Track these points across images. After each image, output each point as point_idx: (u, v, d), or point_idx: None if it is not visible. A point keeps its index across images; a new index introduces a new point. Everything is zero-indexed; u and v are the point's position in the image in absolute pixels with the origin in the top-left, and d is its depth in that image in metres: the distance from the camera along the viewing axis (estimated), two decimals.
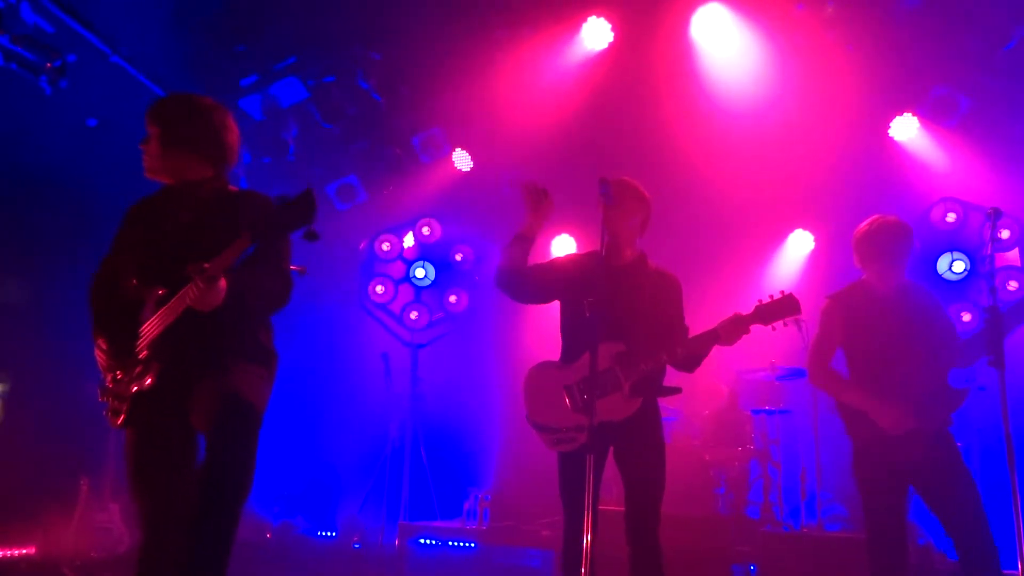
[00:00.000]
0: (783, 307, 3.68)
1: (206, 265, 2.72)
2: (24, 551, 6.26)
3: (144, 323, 3.00)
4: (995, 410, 3.55)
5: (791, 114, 7.06)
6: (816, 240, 7.94)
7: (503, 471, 7.99)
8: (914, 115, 7.05)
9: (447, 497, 7.62)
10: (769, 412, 6.85)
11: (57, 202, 6.44)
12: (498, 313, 8.17)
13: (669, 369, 3.83)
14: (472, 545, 6.65)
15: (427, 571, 6.65)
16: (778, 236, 8.07)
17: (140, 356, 2.98)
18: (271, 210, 2.68)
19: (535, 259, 4.02)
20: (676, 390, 3.83)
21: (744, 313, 3.68)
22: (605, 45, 7.08)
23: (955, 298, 7.11)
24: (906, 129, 7.11)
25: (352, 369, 8.30)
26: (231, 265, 2.73)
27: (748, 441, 6.70)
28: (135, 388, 2.96)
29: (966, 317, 6.96)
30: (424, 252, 8.58)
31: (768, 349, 6.63)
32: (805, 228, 7.97)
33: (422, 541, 6.74)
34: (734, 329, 3.63)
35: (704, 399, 7.10)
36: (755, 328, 3.73)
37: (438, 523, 7.12)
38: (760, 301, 3.70)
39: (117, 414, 3.00)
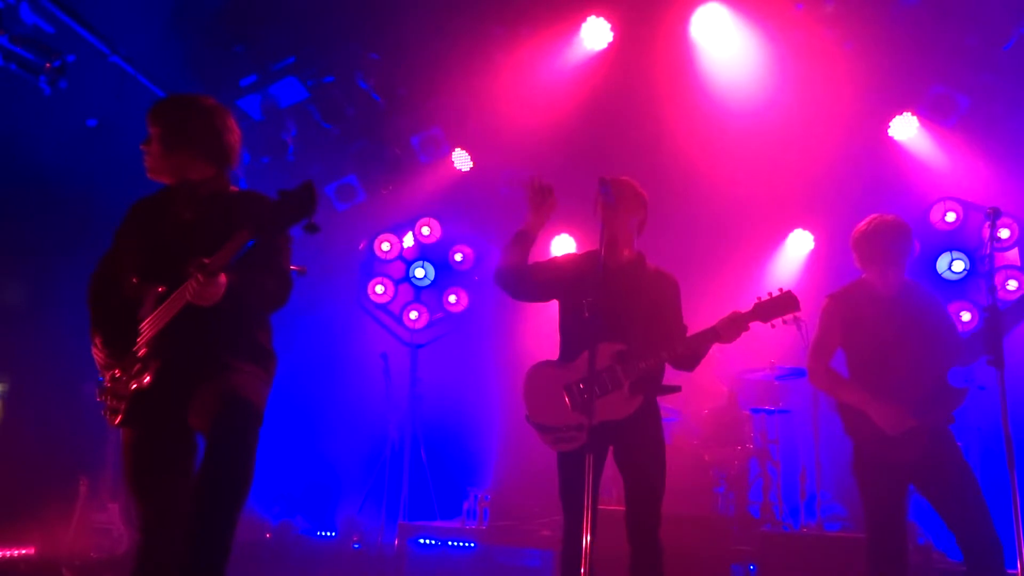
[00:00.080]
0: (782, 304, 3.68)
1: (206, 260, 2.72)
2: (23, 551, 6.26)
3: (143, 321, 3.00)
4: (995, 410, 3.55)
5: (791, 113, 7.07)
6: (816, 240, 7.94)
7: (502, 471, 7.99)
8: (913, 114, 7.06)
9: (446, 497, 7.62)
10: (769, 412, 6.85)
11: (56, 202, 6.44)
12: (497, 313, 8.18)
13: (669, 368, 3.83)
14: (472, 545, 6.65)
15: (427, 571, 6.65)
16: (778, 236, 8.06)
17: (139, 354, 2.98)
18: (272, 203, 2.67)
19: (535, 259, 4.02)
20: (676, 388, 3.83)
21: (743, 311, 3.68)
22: (604, 45, 7.09)
23: (955, 297, 7.11)
24: (905, 128, 7.11)
25: (351, 369, 8.30)
26: (231, 259, 2.73)
27: (748, 441, 6.70)
28: (134, 386, 2.96)
29: (966, 316, 6.96)
30: (423, 252, 8.58)
31: (768, 349, 6.64)
32: (805, 228, 7.97)
33: (422, 541, 6.74)
34: (733, 327, 3.63)
35: (704, 399, 7.10)
36: (755, 328, 3.73)
37: (438, 523, 7.13)
38: (759, 298, 3.69)
39: (115, 413, 3.00)
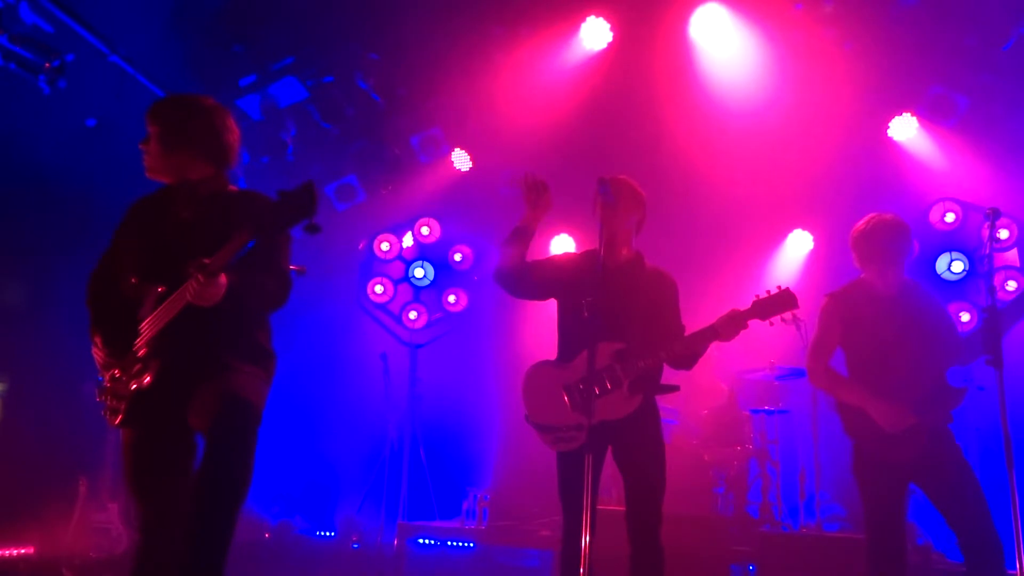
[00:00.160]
0: (780, 302, 3.68)
1: (206, 260, 2.72)
2: (23, 551, 6.26)
3: (143, 321, 3.00)
4: (994, 410, 3.55)
5: (790, 114, 7.07)
6: (815, 240, 7.94)
7: (502, 471, 7.99)
8: (913, 115, 7.06)
9: (446, 497, 7.62)
10: (768, 412, 6.85)
11: (56, 202, 6.44)
12: (497, 313, 8.18)
13: (668, 368, 3.83)
14: (471, 545, 6.65)
15: (426, 571, 6.65)
16: (777, 236, 8.07)
17: (139, 354, 2.98)
18: (272, 204, 2.67)
19: (534, 258, 4.02)
20: (674, 388, 3.83)
21: (742, 309, 3.68)
22: (604, 45, 7.09)
23: (954, 298, 7.12)
24: (905, 129, 7.12)
25: (351, 369, 8.30)
26: (232, 260, 2.73)
27: (747, 441, 6.70)
28: (134, 386, 2.96)
29: (965, 317, 6.97)
30: (423, 252, 8.58)
31: (767, 349, 6.65)
32: (804, 228, 7.98)
33: (421, 541, 6.74)
34: (732, 325, 3.63)
35: (704, 399, 7.10)
36: (755, 328, 3.73)
37: (437, 523, 7.13)
38: (757, 296, 3.70)
39: (115, 413, 3.00)
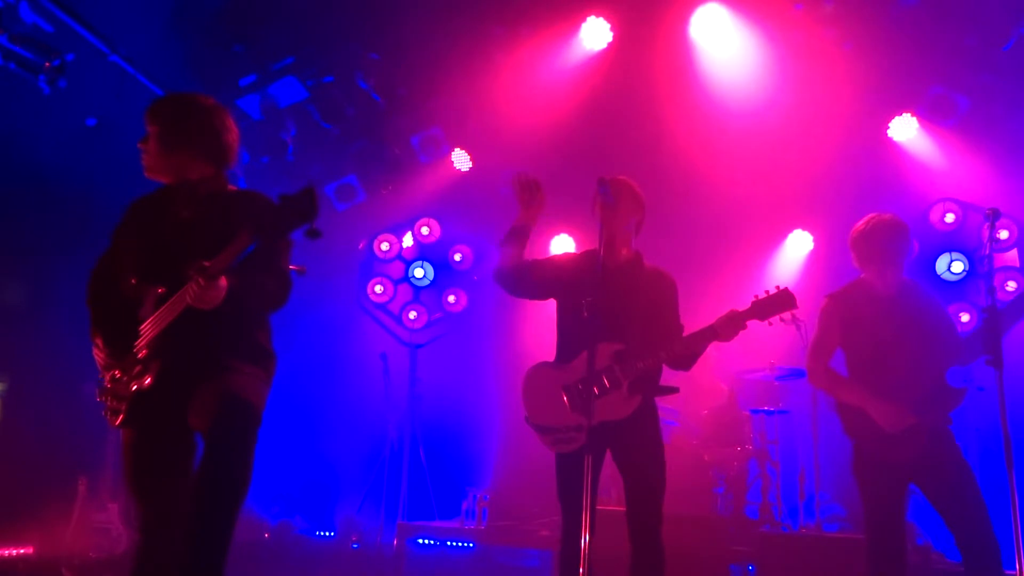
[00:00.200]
0: (779, 302, 3.68)
1: (207, 263, 2.72)
2: (22, 551, 6.26)
3: (143, 322, 3.00)
4: (993, 410, 3.55)
5: (790, 114, 7.07)
6: (815, 240, 7.94)
7: (502, 471, 7.99)
8: (913, 115, 7.06)
9: (445, 497, 7.62)
10: (768, 412, 6.85)
11: (56, 202, 6.44)
12: (497, 313, 8.18)
13: (668, 368, 3.83)
14: (471, 545, 6.65)
15: (425, 571, 6.65)
16: (777, 236, 8.07)
17: (140, 355, 2.98)
18: (273, 208, 2.67)
19: (534, 258, 4.02)
20: (674, 389, 3.83)
21: (741, 309, 3.68)
22: (604, 45, 7.09)
23: (954, 298, 7.12)
24: (905, 129, 7.12)
25: (351, 369, 8.30)
26: (232, 263, 2.73)
27: (747, 441, 6.70)
28: (134, 387, 2.96)
29: (965, 317, 6.97)
30: (423, 252, 8.58)
31: (767, 349, 6.65)
32: (804, 228, 7.98)
33: (420, 541, 6.74)
34: (731, 325, 3.63)
35: (704, 399, 7.11)
36: (754, 328, 3.73)
37: (436, 523, 7.13)
38: (756, 296, 3.70)
39: (116, 414, 3.00)
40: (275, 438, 7.30)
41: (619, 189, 3.84)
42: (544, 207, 4.00)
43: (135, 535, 3.01)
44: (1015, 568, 3.30)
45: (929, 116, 7.01)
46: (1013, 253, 7.21)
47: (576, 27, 7.06)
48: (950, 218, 7.26)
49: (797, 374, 6.54)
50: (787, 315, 3.74)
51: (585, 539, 3.16)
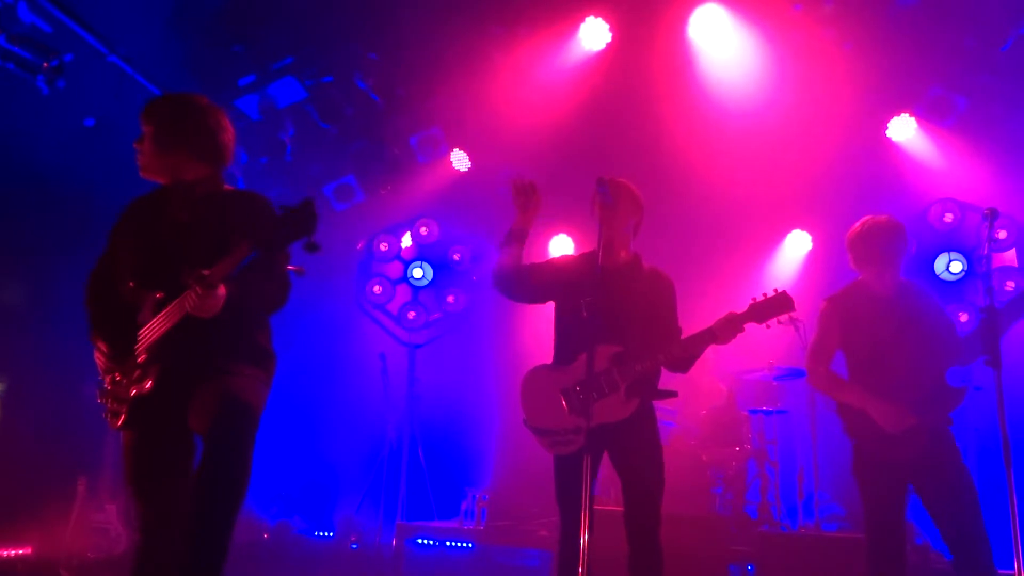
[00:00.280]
0: (777, 305, 3.68)
1: (205, 272, 2.71)
2: (21, 551, 6.26)
3: (142, 326, 3.00)
4: (992, 410, 3.56)
5: (789, 114, 7.07)
6: (814, 240, 7.95)
7: (501, 471, 7.99)
8: (911, 115, 7.06)
9: (444, 497, 7.62)
10: (767, 412, 6.85)
11: (55, 202, 6.43)
12: (496, 313, 8.18)
13: (666, 370, 3.83)
14: (470, 545, 6.65)
15: (424, 571, 6.65)
16: (776, 236, 8.08)
17: (139, 360, 2.98)
18: (271, 221, 2.65)
19: (532, 261, 4.02)
20: (672, 393, 3.83)
21: (739, 312, 3.68)
22: (603, 45, 7.09)
23: (952, 298, 7.13)
24: (904, 129, 7.12)
25: (350, 369, 8.30)
26: (230, 272, 2.72)
27: (745, 441, 6.70)
28: (134, 392, 2.96)
29: (963, 317, 6.98)
30: (422, 252, 8.58)
31: (766, 350, 6.65)
32: (803, 228, 7.99)
33: (419, 541, 6.74)
34: (729, 328, 3.63)
35: (703, 399, 7.11)
36: (753, 329, 3.73)
37: (435, 523, 7.13)
38: (754, 299, 3.70)
39: (116, 416, 3.01)
40: (274, 438, 7.31)
41: (618, 190, 3.84)
42: (540, 210, 4.00)
43: (135, 535, 3.01)
44: (1013, 567, 3.30)
45: (928, 116, 7.02)
46: (1011, 253, 7.21)
47: (575, 27, 7.05)
48: (948, 218, 7.27)
49: (795, 374, 6.54)
50: (785, 317, 3.74)
51: (584, 539, 3.16)
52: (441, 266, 8.52)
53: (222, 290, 2.78)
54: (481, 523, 6.66)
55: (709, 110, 7.15)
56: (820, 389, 4.26)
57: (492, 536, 6.59)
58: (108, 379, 3.07)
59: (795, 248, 8.04)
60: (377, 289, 8.35)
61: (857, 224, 4.15)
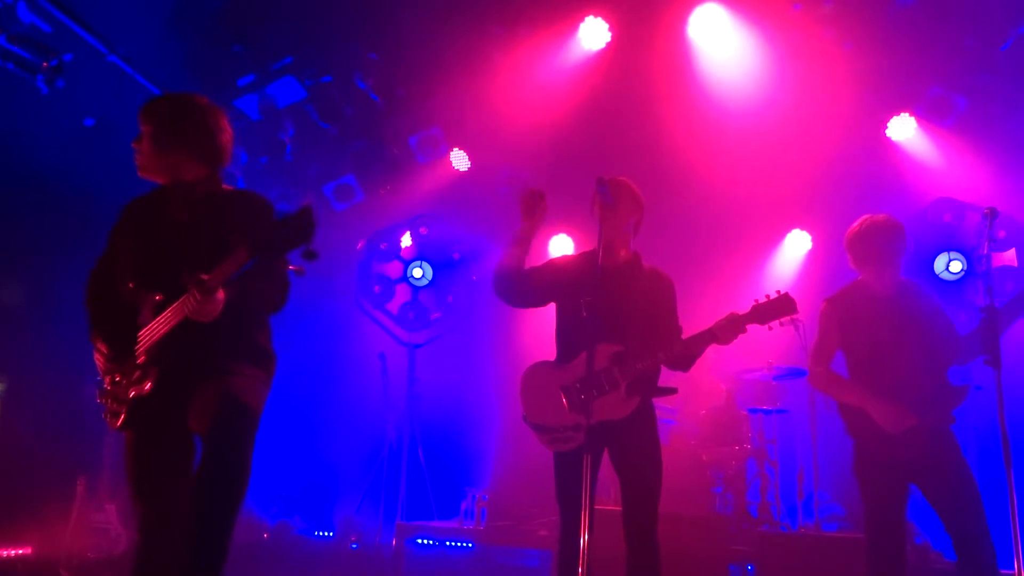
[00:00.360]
0: (779, 307, 3.68)
1: (204, 276, 2.71)
2: (21, 551, 6.25)
3: (142, 327, 2.99)
4: (992, 410, 3.56)
5: (788, 114, 7.07)
6: (813, 240, 7.95)
7: (500, 471, 7.99)
8: (911, 115, 7.06)
9: (444, 497, 7.62)
10: (766, 412, 6.86)
11: (55, 202, 6.43)
12: (496, 313, 8.17)
13: (666, 369, 3.83)
14: (469, 545, 6.65)
15: (424, 571, 6.65)
16: (776, 236, 8.08)
17: (139, 361, 2.98)
18: (269, 227, 2.65)
19: (532, 262, 4.02)
20: (672, 391, 3.83)
21: (740, 313, 3.68)
22: (603, 45, 7.08)
23: (952, 298, 7.13)
24: (903, 129, 7.12)
25: (349, 369, 8.30)
26: (229, 277, 2.72)
27: (745, 441, 6.70)
28: (133, 393, 2.96)
29: (963, 317, 6.97)
30: (421, 252, 8.59)
31: (766, 349, 6.65)
32: (802, 228, 7.99)
33: (419, 541, 6.74)
34: (730, 328, 3.64)
35: (702, 398, 7.11)
36: (753, 329, 3.73)
37: (435, 523, 7.13)
38: (756, 301, 3.70)
39: (116, 416, 3.01)
40: (274, 438, 7.30)
41: (618, 189, 3.84)
42: (545, 218, 4.00)
43: (134, 536, 3.01)
44: (1013, 567, 3.30)
45: (927, 116, 7.02)
46: (1011, 252, 7.21)
47: (575, 27, 7.05)
48: (948, 217, 7.27)
49: (795, 373, 6.54)
50: (785, 317, 3.74)
51: (584, 539, 3.16)
52: (441, 266, 8.53)
53: (221, 294, 2.78)
54: (481, 523, 6.65)
55: (709, 110, 7.15)
56: (821, 389, 4.26)
57: (492, 536, 6.59)
58: (108, 379, 3.07)
59: (795, 248, 8.04)
60: (377, 289, 8.35)
61: (855, 224, 4.14)
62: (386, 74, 7.49)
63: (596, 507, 3.38)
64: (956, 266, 7.20)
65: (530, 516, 6.68)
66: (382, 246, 8.48)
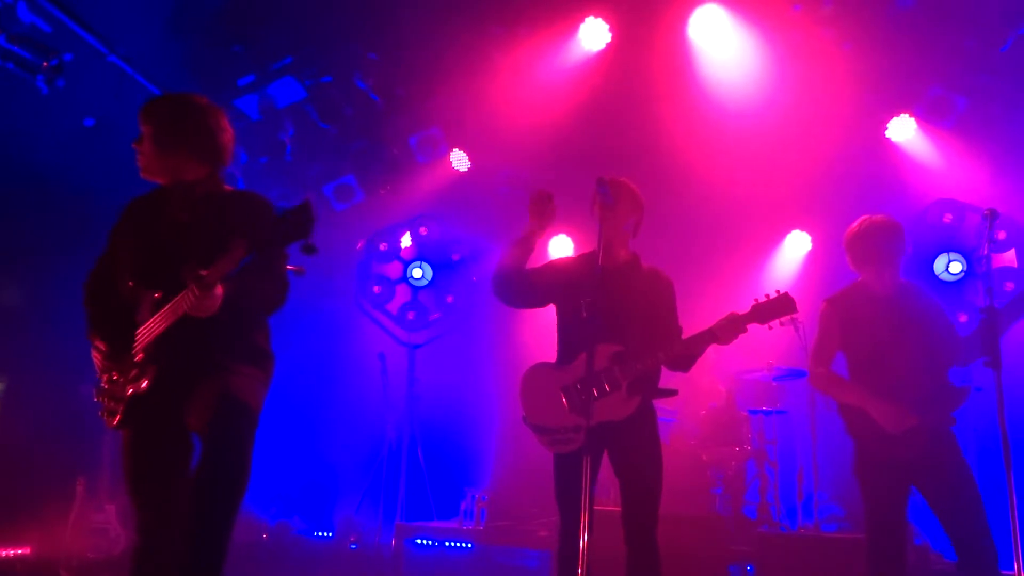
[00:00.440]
0: (779, 306, 3.68)
1: (203, 272, 2.71)
2: (20, 551, 6.25)
3: (140, 325, 2.99)
4: (992, 411, 3.56)
5: (788, 115, 7.07)
6: (813, 241, 7.95)
7: (500, 471, 7.99)
8: (911, 115, 7.06)
9: (444, 497, 7.62)
10: (766, 412, 6.86)
11: (54, 202, 6.43)
12: (495, 313, 8.17)
13: (666, 369, 3.83)
14: (469, 545, 6.65)
15: (424, 571, 6.65)
16: (775, 237, 8.08)
17: (136, 359, 2.98)
18: (269, 222, 2.65)
19: (532, 263, 4.02)
20: (672, 392, 3.83)
21: (740, 313, 3.68)
22: (603, 45, 7.08)
23: (952, 299, 7.13)
24: (903, 129, 7.12)
25: (349, 369, 8.29)
26: (228, 273, 2.72)
27: (745, 441, 6.70)
28: (131, 391, 2.96)
29: (963, 318, 6.98)
30: (421, 252, 8.59)
31: (765, 350, 6.65)
32: (802, 229, 7.99)
33: (419, 541, 6.74)
34: (731, 328, 3.64)
35: (702, 399, 7.11)
36: (753, 329, 3.73)
37: (435, 523, 7.13)
38: (756, 300, 3.70)
39: (113, 415, 3.00)
40: (273, 438, 7.30)
41: (618, 189, 3.84)
42: (553, 219, 4.00)
43: (134, 536, 3.01)
44: (1013, 568, 3.30)
45: (927, 117, 7.02)
46: (1011, 253, 7.21)
47: (575, 27, 7.04)
48: (948, 218, 7.27)
49: (795, 374, 6.54)
50: (785, 317, 3.74)
51: (583, 539, 3.16)
52: (441, 266, 8.53)
53: (219, 290, 2.78)
54: (480, 523, 6.65)
55: (709, 110, 7.14)
56: (821, 390, 4.26)
57: (491, 536, 6.59)
58: (105, 378, 3.07)
59: (795, 248, 8.04)
60: (377, 289, 8.35)
61: (854, 224, 4.14)
62: (386, 74, 7.49)
63: (596, 508, 3.38)
64: (956, 267, 7.20)
65: (530, 516, 6.68)
66: (382, 246, 8.48)
